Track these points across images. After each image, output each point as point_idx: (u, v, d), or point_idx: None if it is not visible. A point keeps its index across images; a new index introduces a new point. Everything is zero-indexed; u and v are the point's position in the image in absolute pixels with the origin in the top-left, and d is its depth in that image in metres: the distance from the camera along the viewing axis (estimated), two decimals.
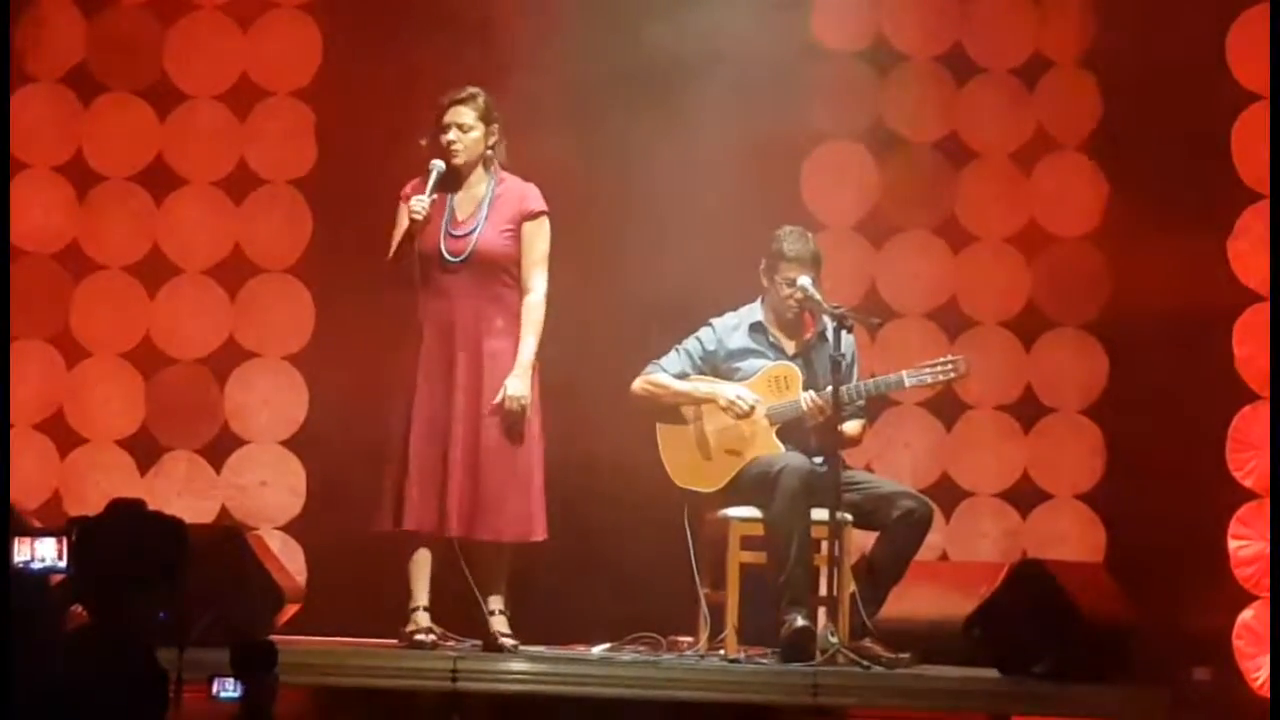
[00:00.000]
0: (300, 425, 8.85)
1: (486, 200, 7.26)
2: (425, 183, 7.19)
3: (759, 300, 7.53)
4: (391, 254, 7.23)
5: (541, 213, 7.26)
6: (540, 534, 7.18)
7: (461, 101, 7.26)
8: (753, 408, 7.31)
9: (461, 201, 7.27)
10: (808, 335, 7.48)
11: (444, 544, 7.16)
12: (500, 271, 7.22)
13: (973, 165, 9.01)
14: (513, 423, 7.11)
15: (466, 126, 7.26)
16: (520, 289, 7.22)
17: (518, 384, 7.11)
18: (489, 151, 7.29)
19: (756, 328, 7.48)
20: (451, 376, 7.14)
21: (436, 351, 7.16)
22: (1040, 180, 8.97)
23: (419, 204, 7.14)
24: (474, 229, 7.21)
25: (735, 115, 8.26)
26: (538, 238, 7.26)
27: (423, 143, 7.28)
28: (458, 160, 7.23)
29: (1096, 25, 8.89)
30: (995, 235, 8.99)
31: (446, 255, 7.18)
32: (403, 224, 7.23)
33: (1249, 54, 8.38)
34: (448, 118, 7.25)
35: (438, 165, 7.20)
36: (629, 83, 8.25)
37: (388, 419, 7.18)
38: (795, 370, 7.40)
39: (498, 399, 7.09)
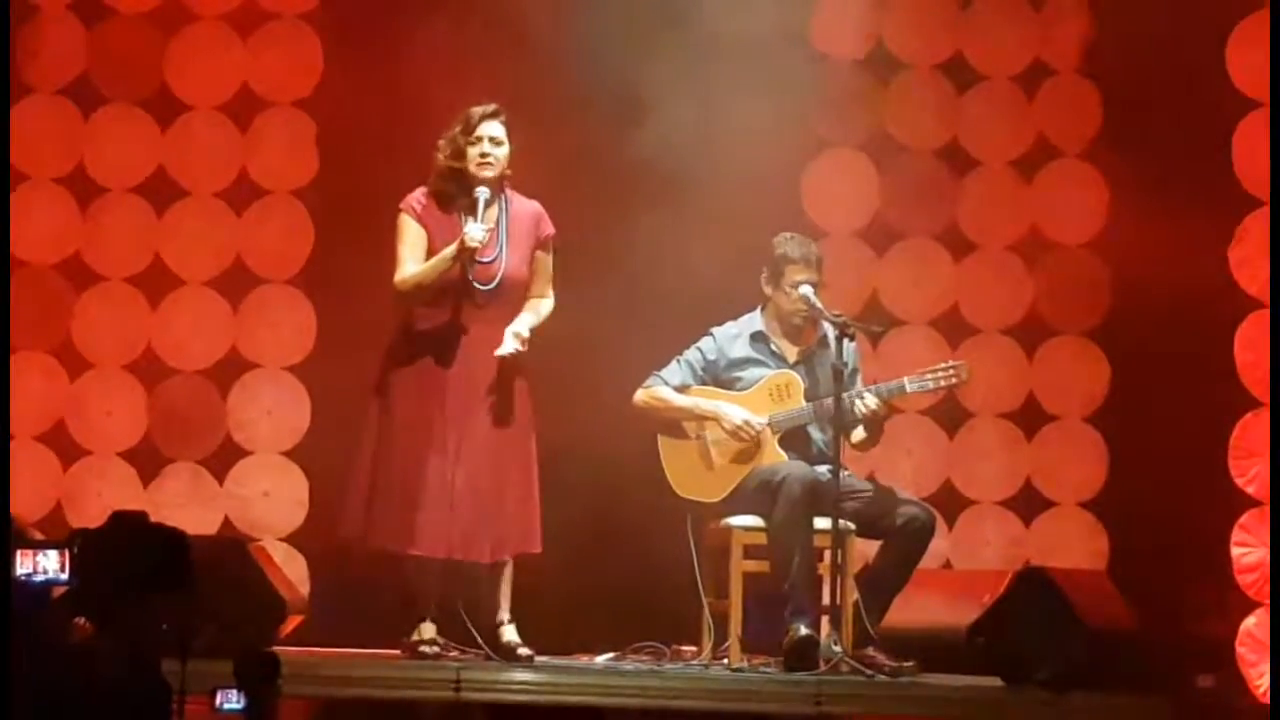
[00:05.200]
0: (303, 436, 8.85)
1: (502, 223, 7.21)
2: (447, 200, 7.13)
3: (759, 309, 7.53)
4: (422, 275, 7.07)
5: (553, 235, 7.27)
6: (537, 546, 7.19)
7: (493, 115, 7.17)
8: (759, 432, 7.31)
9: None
10: (809, 343, 7.49)
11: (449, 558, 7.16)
12: (522, 297, 7.21)
13: (974, 173, 9.01)
14: (518, 436, 7.12)
15: (499, 140, 7.16)
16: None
17: (526, 331, 7.08)
18: (507, 170, 7.25)
19: (757, 336, 7.48)
20: (475, 402, 7.10)
21: (462, 378, 7.10)
22: (1041, 187, 8.97)
23: (478, 231, 6.99)
24: (497, 255, 7.15)
25: (736, 124, 8.27)
26: (549, 259, 7.28)
27: (440, 155, 7.20)
28: (489, 174, 7.12)
29: (1096, 32, 8.88)
30: (997, 243, 8.99)
31: (476, 284, 7.09)
32: (412, 239, 7.13)
33: (1248, 61, 8.39)
34: (480, 130, 7.14)
35: (483, 192, 7.07)
36: (628, 94, 8.24)
37: (393, 439, 7.14)
38: (796, 378, 7.40)
39: (501, 351, 7.03)
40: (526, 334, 7.10)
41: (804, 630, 7.03)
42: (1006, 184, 9.00)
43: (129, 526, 4.68)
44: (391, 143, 8.30)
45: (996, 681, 7.09)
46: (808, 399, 7.37)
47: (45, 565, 4.66)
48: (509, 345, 7.07)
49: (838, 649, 7.02)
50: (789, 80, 8.51)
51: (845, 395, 7.13)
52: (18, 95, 8.81)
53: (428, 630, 7.13)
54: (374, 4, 8.80)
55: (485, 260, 7.11)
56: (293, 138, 8.94)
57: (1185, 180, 8.36)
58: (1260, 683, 8.07)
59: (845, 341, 7.19)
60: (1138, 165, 8.60)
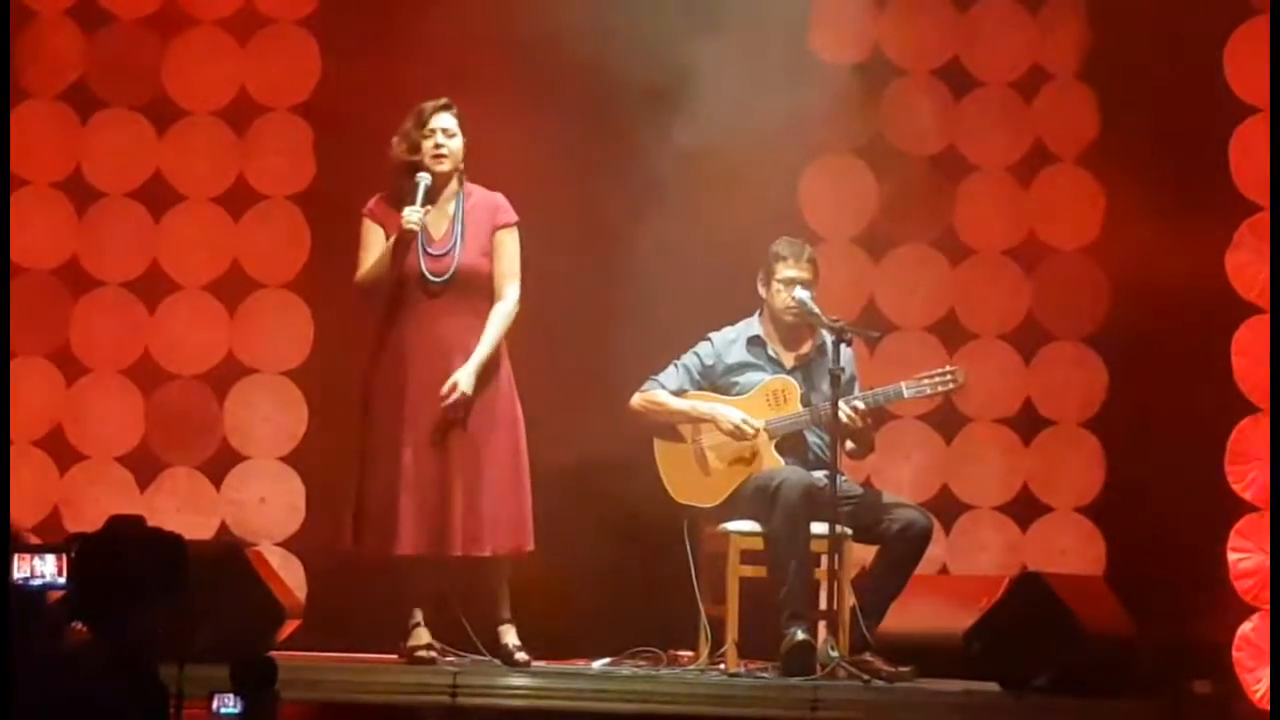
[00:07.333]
0: (299, 441, 8.84)
1: (459, 215, 7.23)
2: (406, 197, 7.14)
3: (757, 314, 7.53)
4: (370, 271, 7.17)
5: (514, 223, 7.26)
6: (530, 544, 7.18)
7: (445, 108, 7.24)
8: (757, 432, 7.31)
9: (434, 218, 7.21)
10: (806, 348, 7.49)
11: (440, 560, 7.16)
12: (482, 287, 7.19)
13: (971, 178, 9.01)
14: (500, 433, 7.10)
15: (451, 132, 7.22)
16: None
17: (467, 377, 7.04)
18: (461, 164, 7.26)
19: (755, 341, 7.48)
20: (439, 395, 7.11)
21: (424, 372, 7.11)
22: (1038, 193, 8.97)
23: (414, 214, 7.08)
24: (452, 246, 7.17)
25: (733, 129, 8.26)
26: (510, 248, 7.24)
27: (396, 151, 7.23)
28: (443, 167, 7.18)
29: (1094, 38, 8.88)
30: (994, 248, 8.99)
31: (429, 275, 7.13)
32: (373, 242, 7.19)
33: (1247, 66, 8.39)
34: (433, 123, 7.21)
35: (424, 178, 7.15)
36: (628, 96, 8.24)
37: (371, 441, 7.16)
38: (793, 384, 7.40)
39: (444, 389, 7.02)
40: (467, 384, 7.04)
41: (801, 635, 7.04)
42: (1003, 189, 9.00)
43: (126, 531, 4.67)
44: (389, 148, 8.29)
45: (993, 687, 7.09)
46: (804, 404, 7.37)
47: (42, 569, 4.65)
48: (450, 396, 7.04)
49: (834, 654, 7.02)
50: (786, 86, 8.50)
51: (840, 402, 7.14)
52: (16, 100, 8.80)
53: (422, 636, 7.13)
54: (372, 9, 8.81)
55: (439, 252, 7.15)
56: (290, 143, 8.94)
57: (1183, 185, 8.36)
58: (1258, 688, 8.07)
59: (842, 347, 7.20)
60: (1135, 170, 8.59)
